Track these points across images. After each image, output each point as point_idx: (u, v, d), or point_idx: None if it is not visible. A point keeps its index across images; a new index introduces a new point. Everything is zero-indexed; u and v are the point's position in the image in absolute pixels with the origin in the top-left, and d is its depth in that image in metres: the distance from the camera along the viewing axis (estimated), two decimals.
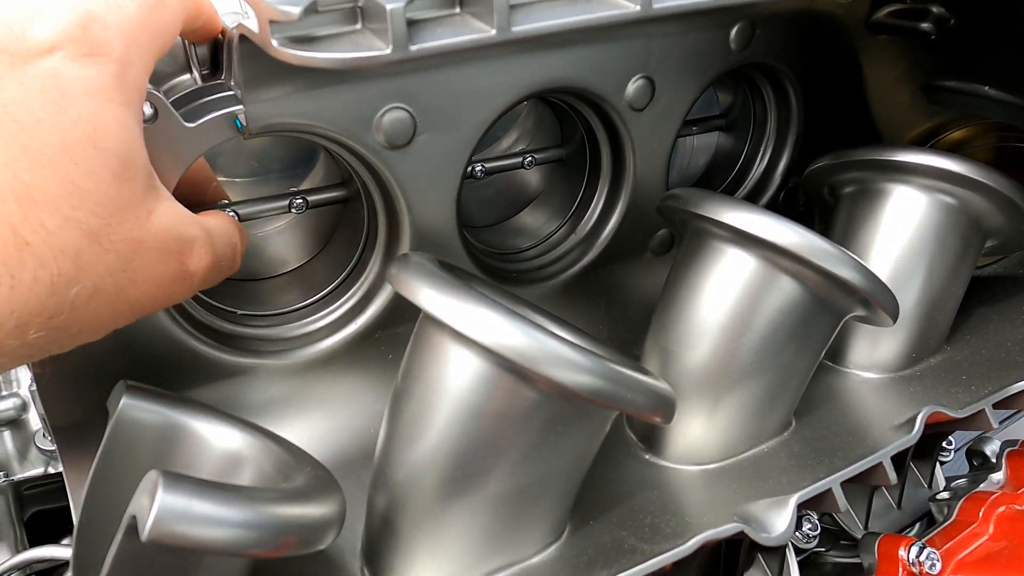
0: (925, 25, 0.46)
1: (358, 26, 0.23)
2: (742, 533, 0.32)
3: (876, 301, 0.35)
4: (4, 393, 0.58)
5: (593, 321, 0.47)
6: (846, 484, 0.36)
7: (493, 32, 0.24)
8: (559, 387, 0.27)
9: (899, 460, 0.39)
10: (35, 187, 0.23)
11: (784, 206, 0.54)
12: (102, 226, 0.25)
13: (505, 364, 0.27)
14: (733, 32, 0.42)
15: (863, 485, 0.40)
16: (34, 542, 0.53)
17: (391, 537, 0.31)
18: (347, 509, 0.28)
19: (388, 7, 0.22)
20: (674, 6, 0.26)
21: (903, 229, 0.43)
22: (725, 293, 0.36)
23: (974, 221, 0.43)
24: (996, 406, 0.41)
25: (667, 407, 0.30)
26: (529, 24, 0.24)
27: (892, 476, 0.36)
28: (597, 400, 0.27)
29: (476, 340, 0.26)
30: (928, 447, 0.47)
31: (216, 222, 0.31)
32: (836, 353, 0.45)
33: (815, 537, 0.40)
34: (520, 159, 0.46)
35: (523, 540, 0.32)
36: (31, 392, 0.58)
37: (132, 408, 0.30)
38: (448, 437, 0.29)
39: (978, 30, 0.46)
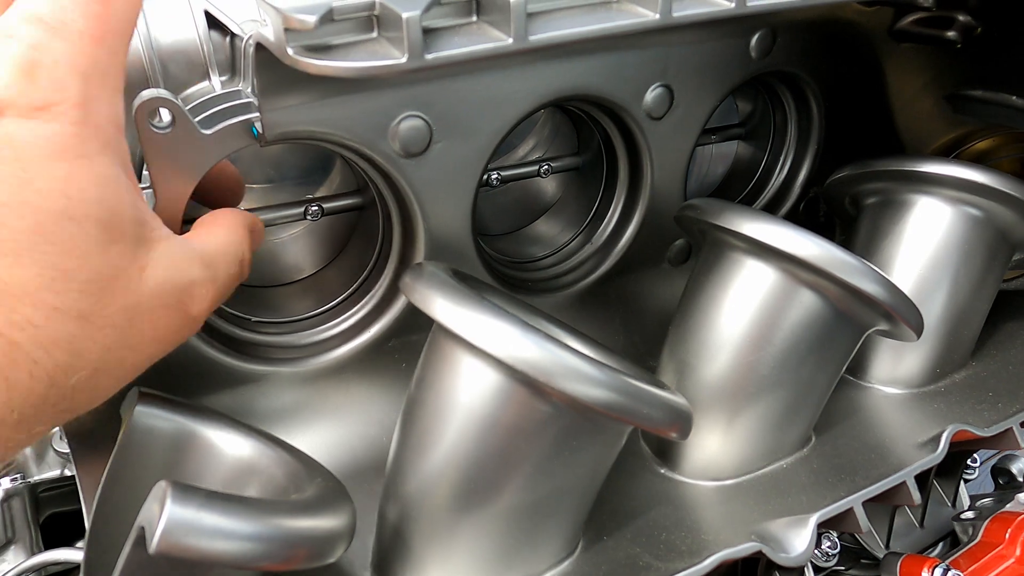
0: (951, 34, 0.45)
1: (374, 34, 0.23)
2: (760, 552, 0.31)
3: (899, 315, 0.34)
4: None
5: (609, 332, 0.47)
6: (867, 503, 0.35)
7: (510, 41, 0.23)
8: (573, 400, 0.26)
9: (922, 478, 0.38)
10: (13, 282, 0.20)
11: (804, 217, 0.53)
12: (92, 305, 0.22)
13: (518, 377, 0.27)
14: (753, 40, 0.42)
15: (886, 504, 0.39)
16: (49, 544, 0.53)
17: (402, 549, 0.31)
18: (358, 520, 0.28)
19: (404, 16, 0.22)
20: (693, 15, 0.26)
21: (927, 241, 0.42)
22: (744, 305, 0.35)
23: (1000, 233, 0.42)
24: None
25: (684, 422, 0.29)
26: (546, 33, 0.24)
27: (916, 496, 0.35)
28: (611, 414, 0.27)
29: (489, 352, 0.26)
30: (952, 465, 0.45)
31: (221, 240, 0.28)
32: (857, 368, 0.44)
33: (834, 556, 0.39)
34: (536, 167, 0.46)
35: (536, 555, 0.31)
36: None
37: (145, 415, 0.30)
38: (460, 449, 0.29)
39: (1005, 39, 0.46)
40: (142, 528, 0.21)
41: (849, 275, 0.33)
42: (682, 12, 0.26)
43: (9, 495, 0.53)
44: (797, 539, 0.31)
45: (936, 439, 0.36)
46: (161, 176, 0.31)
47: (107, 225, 0.22)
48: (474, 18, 0.24)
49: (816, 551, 0.38)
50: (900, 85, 0.51)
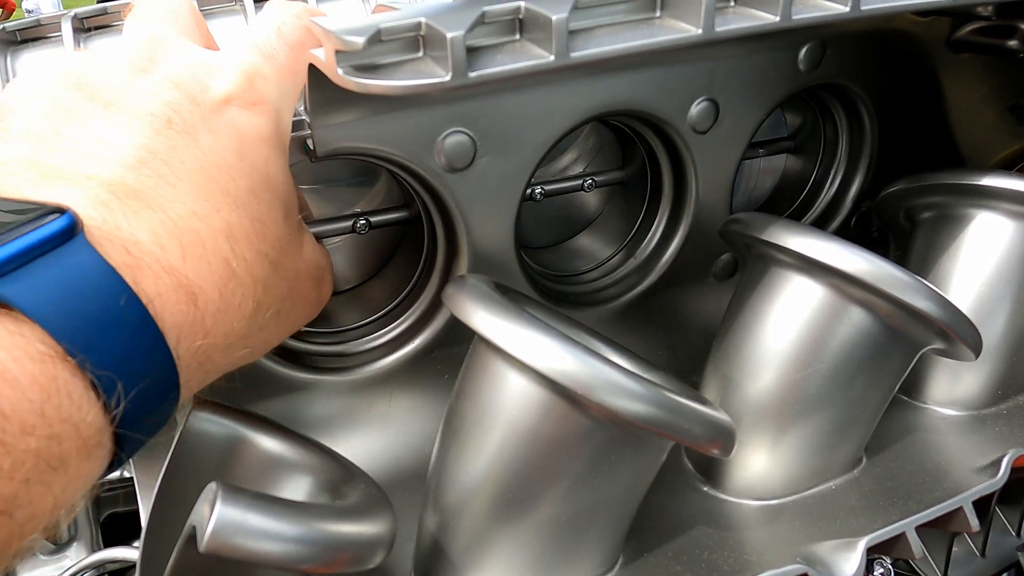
0: (1012, 43, 0.43)
1: (420, 54, 0.24)
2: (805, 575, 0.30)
3: (956, 334, 0.33)
4: None
5: (652, 346, 0.46)
6: (922, 528, 0.33)
7: (551, 58, 0.24)
8: (611, 414, 0.26)
9: (983, 504, 0.36)
10: (235, 225, 0.25)
11: (856, 231, 0.52)
12: (278, 258, 0.28)
13: (557, 389, 0.27)
14: (802, 53, 0.41)
15: (943, 531, 0.37)
16: (108, 543, 0.55)
17: (442, 558, 0.31)
18: (401, 527, 0.28)
19: (448, 35, 0.22)
20: (737, 29, 0.26)
21: (987, 257, 0.41)
22: (790, 322, 0.35)
23: None
24: None
25: (726, 438, 0.29)
26: (588, 50, 0.24)
27: (974, 523, 0.33)
28: (650, 428, 0.27)
29: (527, 364, 0.26)
30: (1016, 491, 0.43)
31: (325, 251, 0.34)
32: (913, 387, 0.43)
33: None
34: (580, 182, 0.46)
35: (575, 568, 0.31)
36: None
37: (199, 420, 0.31)
38: (499, 460, 0.29)
39: None
40: (193, 527, 0.22)
41: (900, 291, 0.32)
42: (725, 27, 0.26)
43: None
44: (846, 563, 0.30)
45: (996, 463, 0.34)
46: None
47: (287, 203, 0.29)
48: (517, 36, 0.25)
49: None
50: (959, 97, 0.49)
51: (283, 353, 0.39)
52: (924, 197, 0.44)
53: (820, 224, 0.51)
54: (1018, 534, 0.44)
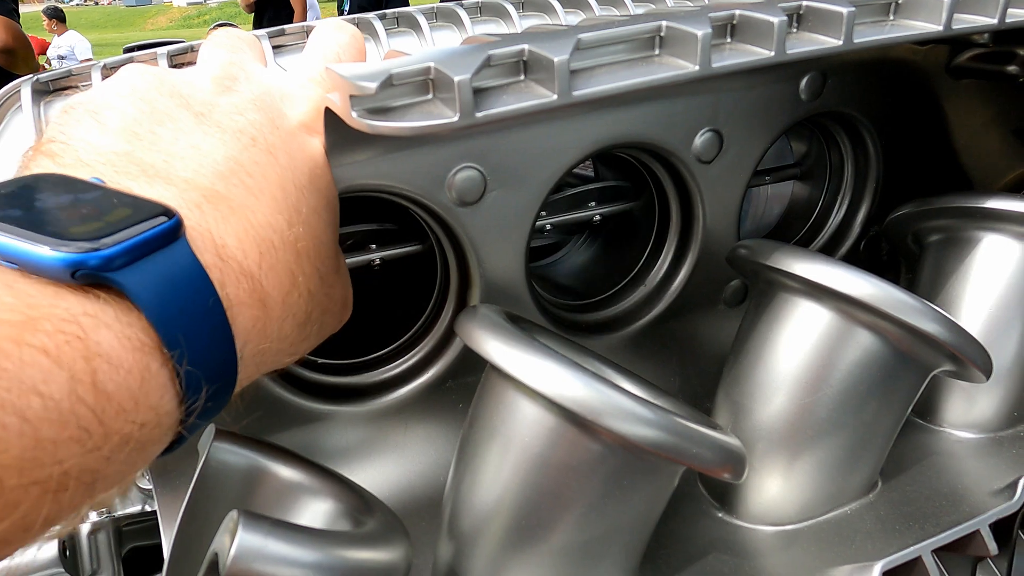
0: (1011, 68, 0.44)
1: (429, 96, 0.25)
2: None
3: (964, 355, 0.33)
4: None
5: (665, 373, 0.47)
6: (941, 552, 0.33)
7: (554, 97, 0.25)
8: (621, 439, 0.27)
9: (1005, 528, 0.36)
10: (301, 240, 0.27)
11: (866, 256, 0.52)
12: (326, 274, 0.29)
13: (567, 415, 0.27)
14: (803, 83, 0.42)
15: (962, 555, 0.37)
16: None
17: None
18: (418, 555, 0.29)
19: (456, 78, 0.23)
20: (733, 64, 0.27)
21: (997, 279, 0.41)
22: (798, 347, 0.35)
23: None
24: None
25: (736, 463, 0.29)
26: (589, 88, 0.25)
27: (992, 546, 0.33)
28: (660, 453, 0.27)
29: (538, 390, 0.27)
30: None
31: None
32: (927, 410, 0.42)
33: None
34: (588, 214, 0.47)
35: None
36: None
37: (220, 451, 0.32)
38: (511, 487, 0.29)
39: None
40: (215, 554, 0.23)
41: (906, 314, 0.32)
42: (721, 63, 0.27)
43: (95, 529, 0.56)
44: None
45: (1013, 486, 0.34)
46: None
47: (336, 225, 0.31)
48: (522, 77, 0.26)
49: None
50: (963, 121, 0.50)
51: (300, 385, 0.40)
52: (931, 220, 0.44)
53: (829, 249, 0.52)
54: None
